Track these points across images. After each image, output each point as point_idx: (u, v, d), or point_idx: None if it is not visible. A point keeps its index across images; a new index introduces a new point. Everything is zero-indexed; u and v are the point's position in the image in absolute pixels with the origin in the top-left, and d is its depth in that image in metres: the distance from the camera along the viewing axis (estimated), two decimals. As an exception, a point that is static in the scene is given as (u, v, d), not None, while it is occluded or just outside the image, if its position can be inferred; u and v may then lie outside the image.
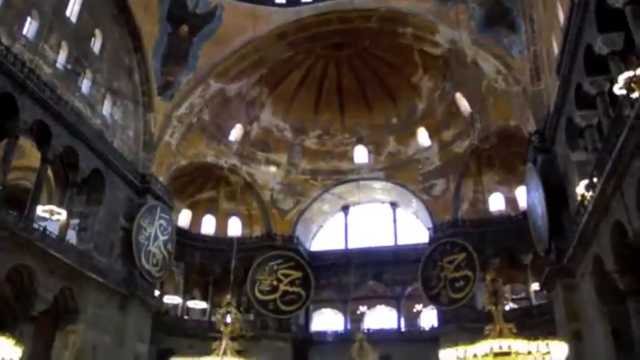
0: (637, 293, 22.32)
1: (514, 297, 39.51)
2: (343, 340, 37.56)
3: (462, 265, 38.16)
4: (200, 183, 44.34)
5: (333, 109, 44.83)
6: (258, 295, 41.62)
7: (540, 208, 29.65)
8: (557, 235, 29.16)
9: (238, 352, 12.14)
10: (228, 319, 12.64)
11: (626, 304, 23.02)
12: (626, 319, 23.60)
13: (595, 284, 27.00)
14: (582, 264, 27.98)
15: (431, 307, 42.20)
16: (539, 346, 8.89)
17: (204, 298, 42.90)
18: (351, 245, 47.16)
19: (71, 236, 29.98)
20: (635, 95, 16.27)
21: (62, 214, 28.36)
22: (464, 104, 40.46)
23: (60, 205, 29.14)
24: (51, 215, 27.74)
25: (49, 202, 29.59)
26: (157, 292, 37.36)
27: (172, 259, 37.88)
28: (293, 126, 45.22)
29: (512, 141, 36.80)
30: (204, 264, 42.84)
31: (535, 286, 40.08)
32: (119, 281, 32.38)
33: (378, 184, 46.39)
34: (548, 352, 9.27)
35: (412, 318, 44.62)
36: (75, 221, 30.66)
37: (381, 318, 45.62)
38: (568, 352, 26.23)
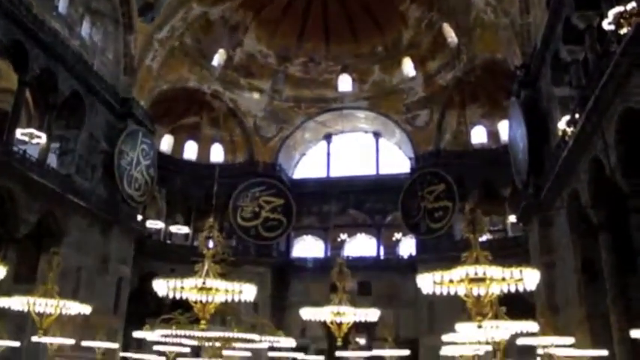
0: (608, 228, 23.07)
1: (491, 228, 40.51)
2: (323, 266, 38.47)
3: (442, 196, 38.85)
4: (182, 108, 43.91)
5: (318, 37, 44.04)
6: (240, 221, 42.18)
7: (522, 142, 30.00)
8: (536, 170, 29.67)
9: (220, 275, 12.40)
10: (211, 244, 12.84)
11: (597, 237, 23.85)
12: (596, 252, 24.54)
13: (569, 218, 27.83)
14: (558, 199, 28.67)
15: (410, 236, 43.17)
16: (512, 272, 9.21)
17: (186, 223, 43.32)
18: (333, 174, 47.56)
19: (52, 160, 29.80)
20: (623, 31, 16.22)
21: (42, 138, 28.07)
22: (451, 35, 39.97)
23: (39, 128, 28.79)
24: (30, 138, 27.45)
25: (29, 126, 29.19)
26: (139, 217, 37.62)
27: (155, 184, 37.99)
28: (277, 52, 44.47)
29: (498, 74, 36.72)
30: (187, 189, 43.02)
31: (512, 219, 41.11)
32: (101, 205, 32.52)
33: (361, 113, 46.34)
34: (521, 279, 9.62)
35: (391, 246, 45.67)
36: (55, 145, 30.42)
37: (360, 246, 46.64)
38: (540, 281, 27.39)
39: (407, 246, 44.87)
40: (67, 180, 29.50)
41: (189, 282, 11.89)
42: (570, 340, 22.46)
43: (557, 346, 22.83)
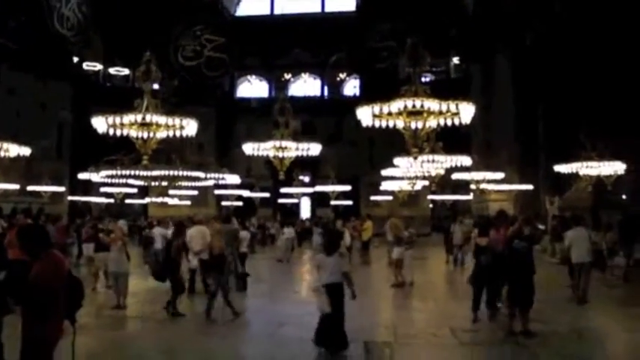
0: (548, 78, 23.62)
1: (434, 69, 40.72)
2: (267, 106, 38.28)
3: (388, 36, 38.28)
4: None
5: None
6: (181, 60, 40.86)
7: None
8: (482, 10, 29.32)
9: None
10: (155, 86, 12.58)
11: (536, 82, 24.56)
12: (534, 95, 25.46)
13: (511, 63, 28.37)
14: (501, 41, 28.87)
15: (354, 76, 43.08)
16: (449, 105, 9.42)
17: (126, 65, 41.66)
18: (277, 11, 45.80)
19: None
20: None
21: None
22: None
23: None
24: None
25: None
26: (75, 59, 35.90)
27: (90, 24, 35.76)
28: None
29: None
30: (125, 28, 40.77)
31: (455, 60, 41.36)
32: (33, 48, 30.59)
33: (306, -52, 43.75)
34: (457, 113, 9.88)
35: (336, 86, 45.67)
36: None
37: (305, 86, 46.42)
38: (478, 121, 28.35)
39: (351, 86, 44.97)
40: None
41: (129, 117, 11.70)
42: (500, 175, 23.92)
43: (488, 181, 24.36)
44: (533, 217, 11.69)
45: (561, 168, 19.70)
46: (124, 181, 22.55)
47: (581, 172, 19.14)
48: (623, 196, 20.85)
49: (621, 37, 17.69)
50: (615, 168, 18.69)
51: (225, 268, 10.53)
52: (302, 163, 27.14)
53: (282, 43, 43.78)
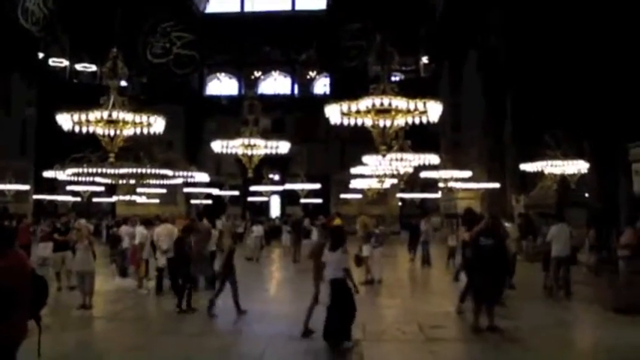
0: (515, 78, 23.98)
1: (404, 68, 41.03)
2: (237, 104, 38.07)
3: (358, 35, 38.41)
4: None
5: None
6: (150, 58, 40.35)
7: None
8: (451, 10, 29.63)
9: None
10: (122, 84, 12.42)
11: (503, 82, 24.92)
12: (502, 96, 25.83)
13: (478, 61, 28.71)
14: (470, 41, 29.21)
15: (325, 74, 43.13)
16: (417, 104, 9.50)
17: (93, 62, 41.01)
18: (248, 8, 45.57)
19: None
20: None
21: None
22: None
23: None
24: None
25: None
26: (40, 55, 35.21)
27: (55, 18, 35.08)
28: None
29: None
30: (92, 24, 40.10)
31: (425, 60, 41.74)
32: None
33: (277, -54, 43.62)
34: (425, 111, 9.98)
35: (306, 85, 45.68)
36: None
37: (275, 84, 46.31)
38: (447, 120, 28.65)
39: (322, 85, 45.02)
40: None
41: (95, 114, 11.52)
42: (468, 173, 24.24)
43: (456, 179, 24.66)
44: (498, 215, 11.86)
45: (527, 167, 20.05)
46: (90, 179, 22.25)
47: (546, 171, 19.50)
48: (586, 195, 21.29)
49: (587, 36, 18.07)
50: (579, 167, 19.10)
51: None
52: (272, 162, 27.09)
53: (253, 40, 43.57)
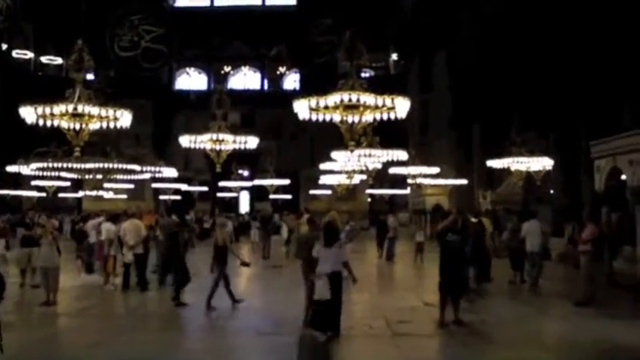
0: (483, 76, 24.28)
1: (374, 65, 41.25)
2: (206, 99, 37.69)
3: (328, 31, 38.47)
4: None
5: None
6: (118, 51, 39.75)
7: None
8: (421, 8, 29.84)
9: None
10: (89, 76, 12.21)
11: (471, 80, 25.23)
12: (470, 94, 26.14)
13: (447, 59, 29.05)
14: (440, 38, 29.50)
15: (295, 70, 43.07)
16: (385, 100, 9.56)
17: (59, 54, 40.21)
18: (218, 2, 45.22)
19: None
20: None
21: None
22: None
23: None
24: None
25: None
26: (3, 46, 34.42)
27: (19, 9, 34.32)
28: None
29: None
30: (59, 13, 39.31)
31: (394, 57, 42.02)
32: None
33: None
34: (393, 107, 10.04)
35: (276, 80, 45.56)
36: None
37: (245, 79, 46.09)
38: (415, 117, 28.87)
39: (292, 80, 44.97)
40: None
41: (60, 108, 11.30)
42: (436, 170, 24.48)
43: (425, 175, 24.88)
44: (465, 211, 12.08)
45: (494, 163, 20.31)
46: (56, 174, 21.84)
47: (513, 168, 19.79)
48: (551, 191, 21.66)
49: (553, 35, 18.37)
50: (544, 163, 19.44)
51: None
52: (241, 157, 26.95)
53: (222, 35, 43.29)
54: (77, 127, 11.92)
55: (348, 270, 8.29)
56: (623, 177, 14.61)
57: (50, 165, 19.31)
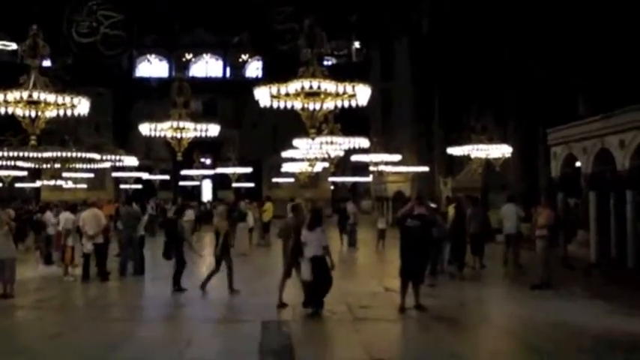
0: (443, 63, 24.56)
1: (336, 53, 41.32)
2: (167, 87, 37.10)
3: (290, 18, 38.21)
4: None
5: None
6: (75, 37, 38.77)
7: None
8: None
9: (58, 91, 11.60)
10: (46, 63, 11.89)
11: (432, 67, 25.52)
12: (431, 81, 26.48)
13: (409, 48, 29.25)
14: (401, 27, 29.67)
15: (257, 57, 42.80)
16: (346, 87, 9.60)
17: (13, 39, 39.03)
18: (178, -13, 44.49)
19: None
20: None
21: None
22: None
23: None
24: None
25: None
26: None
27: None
28: None
29: None
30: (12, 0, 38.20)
31: (357, 45, 42.09)
32: None
33: None
34: (354, 95, 10.10)
35: (238, 68, 45.18)
36: None
37: (207, 67, 45.59)
38: (377, 105, 29.03)
39: (254, 68, 44.67)
40: None
41: (14, 94, 10.98)
42: (398, 157, 24.71)
43: (386, 163, 25.09)
44: (425, 197, 12.26)
45: (454, 150, 20.59)
46: (12, 163, 21.31)
47: (472, 155, 20.10)
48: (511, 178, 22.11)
49: (513, 23, 18.69)
50: (503, 151, 19.79)
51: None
52: (203, 145, 26.74)
53: (184, 22, 42.62)
54: (33, 114, 11.61)
55: (328, 254, 8.85)
56: (578, 164, 15.01)
57: (5, 154, 18.86)
